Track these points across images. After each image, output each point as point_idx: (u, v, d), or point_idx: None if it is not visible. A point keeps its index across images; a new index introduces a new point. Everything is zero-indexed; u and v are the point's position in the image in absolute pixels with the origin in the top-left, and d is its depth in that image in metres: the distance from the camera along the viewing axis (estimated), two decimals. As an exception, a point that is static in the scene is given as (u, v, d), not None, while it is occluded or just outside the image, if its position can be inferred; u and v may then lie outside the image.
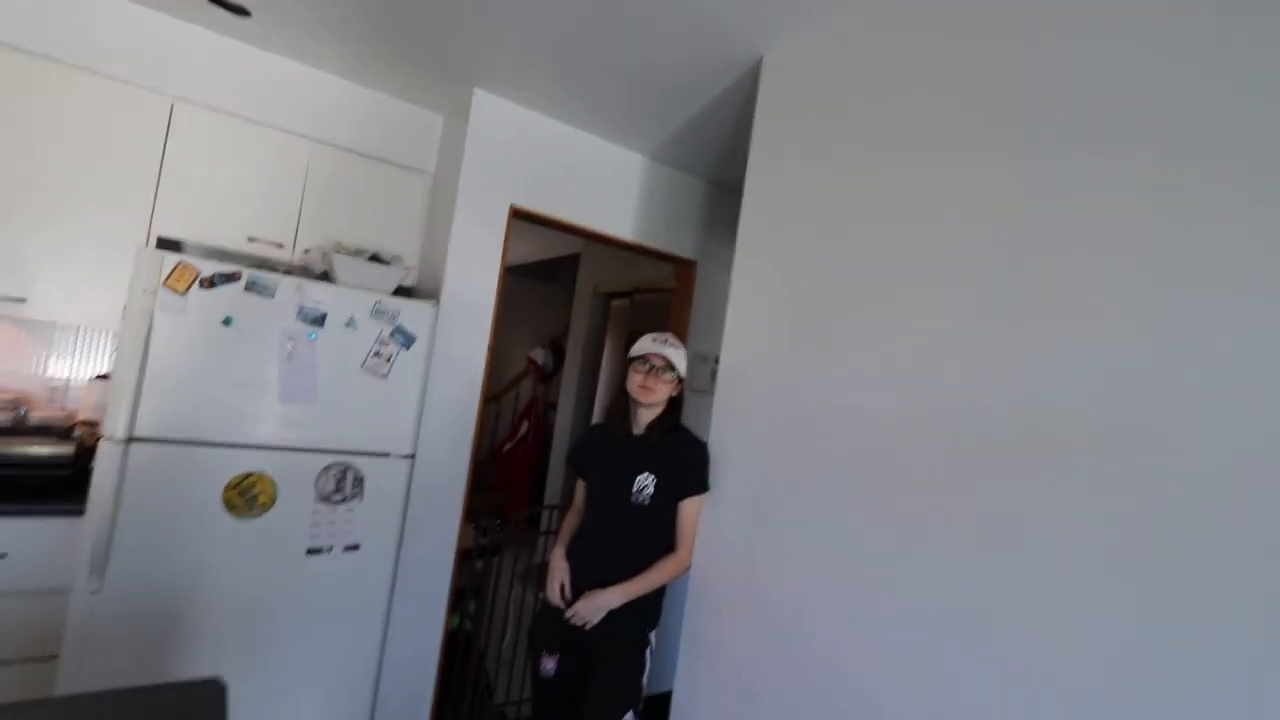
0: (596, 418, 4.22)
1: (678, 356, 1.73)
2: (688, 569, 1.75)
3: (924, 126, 1.39)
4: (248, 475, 1.96)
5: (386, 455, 2.20)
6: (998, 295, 1.18)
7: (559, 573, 1.77)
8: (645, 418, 1.75)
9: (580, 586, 1.72)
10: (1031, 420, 1.09)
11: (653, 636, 1.76)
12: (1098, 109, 1.09)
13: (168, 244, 2.20)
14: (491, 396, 5.29)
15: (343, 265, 2.21)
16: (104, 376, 2.32)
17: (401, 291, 2.38)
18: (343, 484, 2.11)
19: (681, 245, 3.06)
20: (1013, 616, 1.08)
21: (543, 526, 3.37)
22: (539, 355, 5.23)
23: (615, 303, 4.30)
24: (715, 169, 2.94)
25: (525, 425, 5.09)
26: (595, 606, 1.65)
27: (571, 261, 4.61)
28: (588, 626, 1.65)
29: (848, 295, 1.50)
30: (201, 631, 1.91)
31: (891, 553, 1.29)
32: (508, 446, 5.12)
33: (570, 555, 1.80)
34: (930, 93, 1.39)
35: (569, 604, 1.69)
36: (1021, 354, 1.13)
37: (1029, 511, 1.08)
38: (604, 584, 1.68)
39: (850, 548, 1.38)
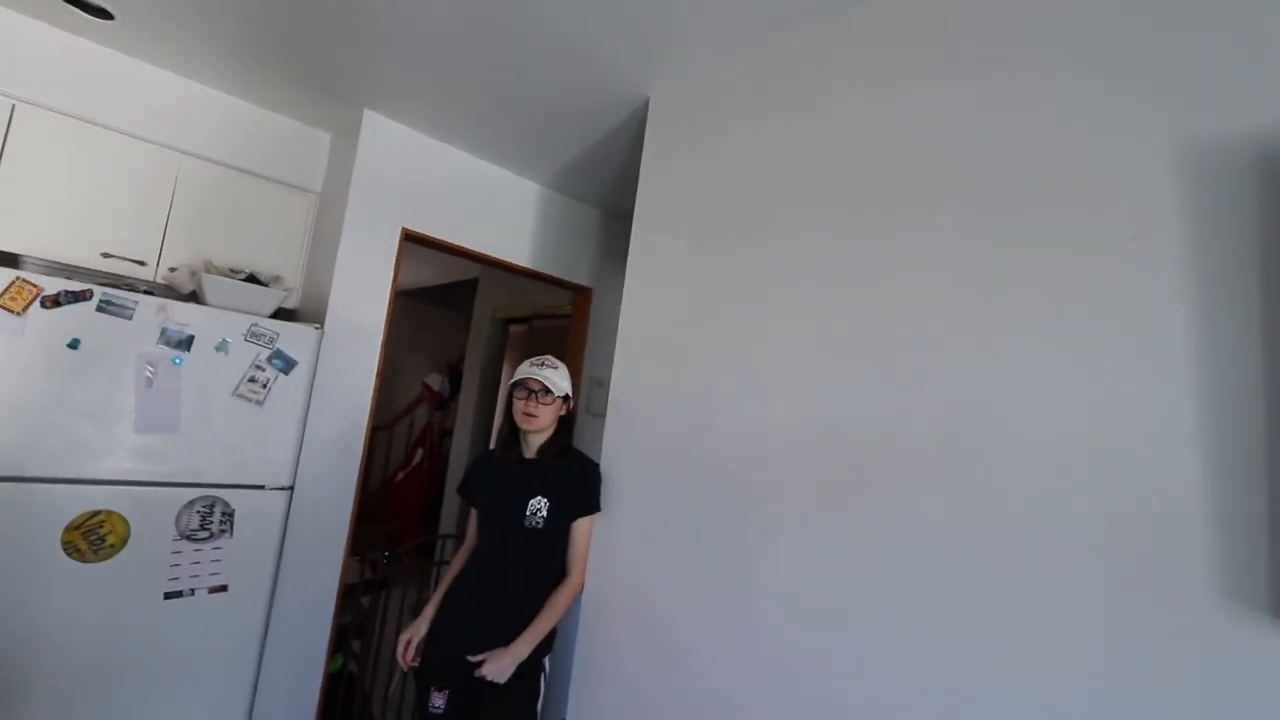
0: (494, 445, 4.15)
1: (556, 378, 1.75)
2: (581, 589, 1.77)
3: (787, 174, 1.54)
4: (94, 514, 1.78)
5: (261, 487, 2.07)
6: (851, 328, 1.32)
7: (416, 628, 1.73)
8: (535, 442, 1.77)
9: (477, 620, 1.68)
10: (884, 438, 1.23)
11: (547, 662, 1.75)
12: (937, 163, 1.26)
13: (2, 258, 1.97)
14: (383, 425, 5.06)
15: (214, 285, 2.08)
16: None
17: (282, 314, 2.27)
18: (209, 520, 1.96)
19: (578, 272, 3.12)
20: (866, 612, 1.19)
21: (436, 556, 3.25)
22: (435, 381, 5.07)
23: (514, 328, 4.28)
24: (609, 199, 3.04)
25: (420, 453, 4.89)
26: (503, 666, 1.58)
27: (470, 286, 4.55)
28: (500, 682, 1.60)
29: (724, 327, 1.61)
30: (37, 695, 1.70)
31: (762, 564, 1.39)
32: (401, 475, 4.89)
33: (456, 590, 1.76)
34: (791, 142, 1.55)
35: (470, 662, 1.61)
36: (874, 382, 1.26)
37: (884, 514, 1.20)
38: (502, 614, 1.65)
39: (726, 565, 1.46)
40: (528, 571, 1.72)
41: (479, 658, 1.61)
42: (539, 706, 1.72)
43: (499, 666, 1.58)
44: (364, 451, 2.40)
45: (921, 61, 1.31)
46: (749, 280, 1.57)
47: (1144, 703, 0.86)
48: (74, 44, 2.12)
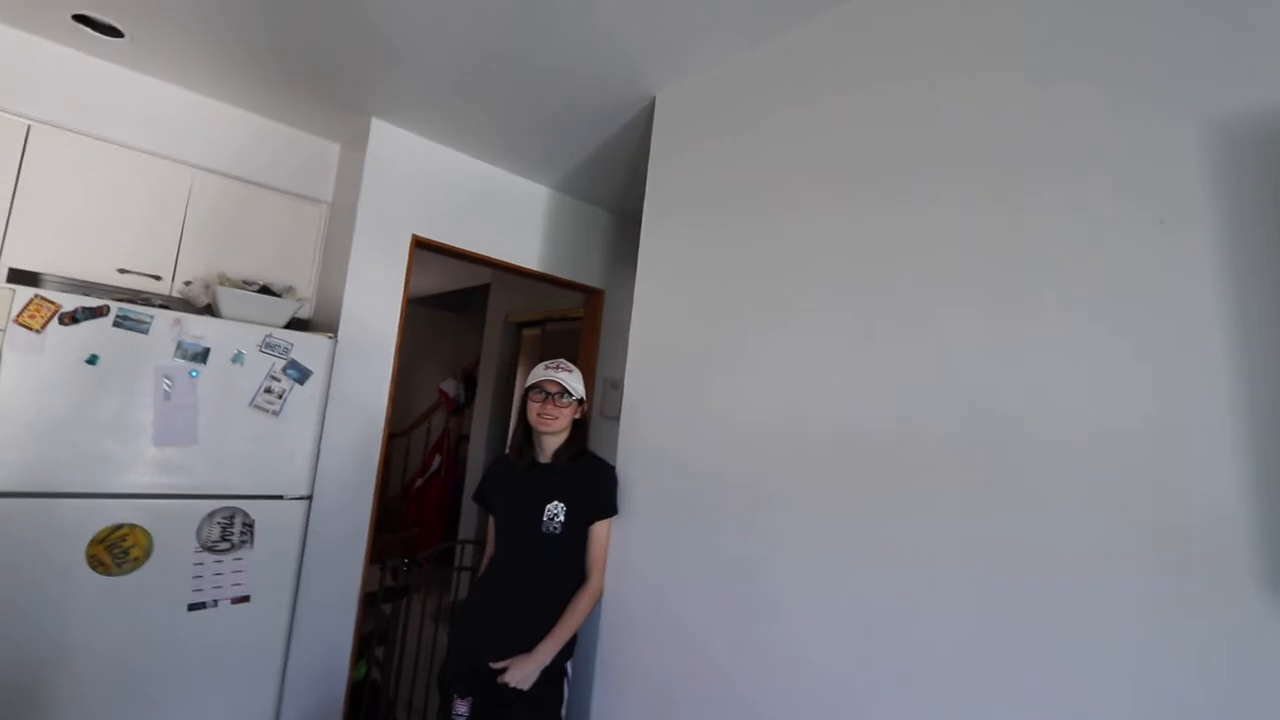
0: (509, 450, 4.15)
1: (571, 380, 1.74)
2: (601, 593, 1.75)
3: (796, 170, 1.51)
4: (117, 528, 1.79)
5: (279, 498, 2.08)
6: (866, 325, 1.30)
7: None
8: (550, 445, 1.76)
9: (499, 627, 1.67)
10: (904, 436, 1.20)
11: (569, 666, 1.74)
12: (954, 153, 1.23)
13: (22, 276, 2.00)
14: (399, 431, 5.09)
15: (228, 298, 2.09)
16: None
17: (296, 325, 2.28)
18: (229, 531, 1.97)
19: (589, 274, 3.11)
20: (890, 617, 1.16)
21: (456, 562, 3.26)
22: (450, 387, 5.09)
23: (527, 332, 4.29)
24: (618, 200, 3.02)
25: (437, 459, 4.91)
26: (527, 673, 1.58)
27: (482, 291, 4.56)
28: (524, 688, 1.59)
29: (736, 327, 1.58)
30: (66, 705, 1.72)
31: (783, 569, 1.36)
32: (419, 482, 4.91)
33: (477, 597, 1.75)
34: (799, 138, 1.52)
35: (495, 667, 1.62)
36: (891, 378, 1.23)
37: (906, 518, 1.17)
38: (523, 620, 1.64)
39: (744, 569, 1.44)
40: (547, 577, 1.71)
41: (501, 664, 1.60)
42: (563, 711, 1.71)
43: (522, 673, 1.58)
44: (381, 459, 2.41)
45: (937, 50, 1.28)
46: (760, 279, 1.55)
47: (1184, 705, 0.83)
48: (86, 63, 2.14)
